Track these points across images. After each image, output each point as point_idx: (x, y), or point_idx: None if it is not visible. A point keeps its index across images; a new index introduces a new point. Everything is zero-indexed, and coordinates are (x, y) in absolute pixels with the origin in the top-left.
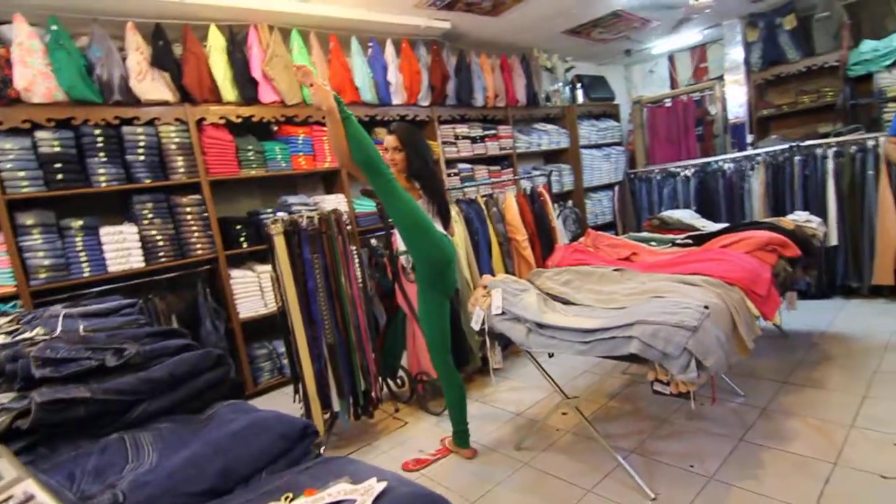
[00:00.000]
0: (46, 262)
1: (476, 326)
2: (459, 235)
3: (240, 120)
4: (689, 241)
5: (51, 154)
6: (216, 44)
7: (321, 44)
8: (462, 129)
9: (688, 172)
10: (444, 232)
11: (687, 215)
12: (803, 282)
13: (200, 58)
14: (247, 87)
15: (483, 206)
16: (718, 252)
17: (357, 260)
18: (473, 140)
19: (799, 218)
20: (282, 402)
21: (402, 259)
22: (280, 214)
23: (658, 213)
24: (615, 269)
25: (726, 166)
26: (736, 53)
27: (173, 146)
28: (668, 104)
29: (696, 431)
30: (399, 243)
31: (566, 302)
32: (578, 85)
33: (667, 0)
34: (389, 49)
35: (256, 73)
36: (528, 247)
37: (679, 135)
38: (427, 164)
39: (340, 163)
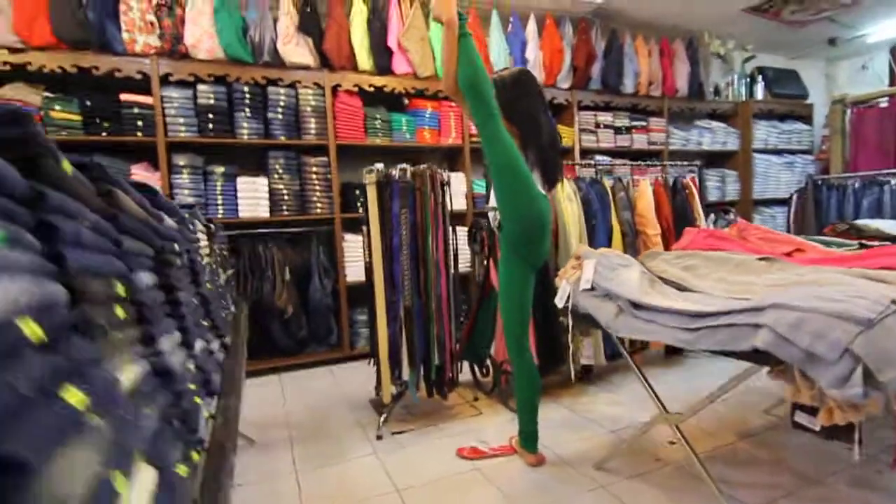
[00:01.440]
0: (190, 199)
1: (559, 303)
2: (572, 216)
3: (372, 89)
4: (888, 244)
5: (206, 105)
6: (358, 12)
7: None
8: (605, 118)
9: None
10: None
11: (893, 225)
12: None
13: (342, 25)
14: (382, 56)
15: (608, 189)
16: None
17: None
18: (617, 130)
19: None
20: (370, 369)
21: (491, 217)
22: (378, 166)
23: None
24: (761, 258)
25: None
26: None
27: (309, 108)
28: (885, 104)
29: (860, 502)
30: (491, 200)
31: (682, 289)
32: (759, 78)
33: None
34: (531, 26)
35: (392, 43)
36: (659, 243)
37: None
38: (535, 110)
39: (445, 85)
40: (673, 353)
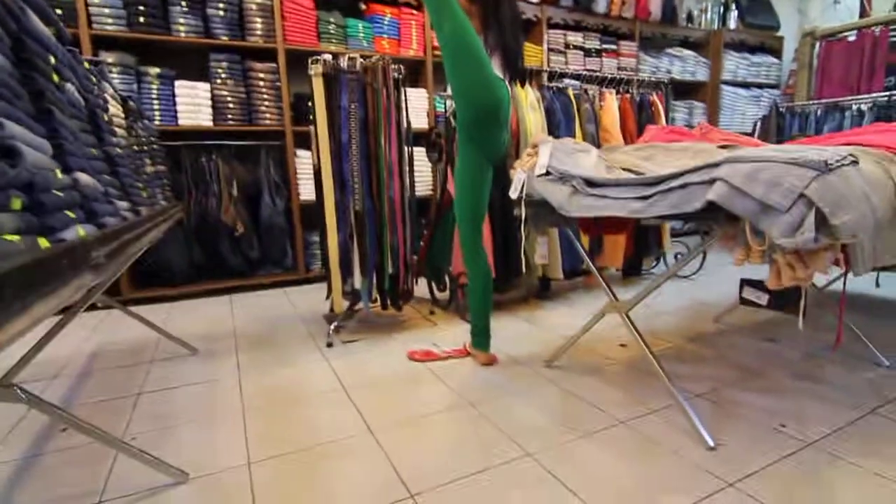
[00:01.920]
0: None
1: (513, 194)
2: (535, 125)
3: None
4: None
5: None
6: None
7: None
8: (575, 38)
9: (863, 106)
10: (503, 79)
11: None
12: None
13: None
14: None
15: (573, 100)
16: (887, 126)
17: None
18: (588, 53)
19: None
20: (324, 289)
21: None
22: (325, 56)
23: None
24: (722, 146)
25: None
26: None
27: (254, 6)
28: (853, 38)
29: (801, 392)
30: (449, 90)
31: (639, 175)
32: (733, 5)
33: None
34: None
35: None
36: None
37: (860, 79)
38: None
39: None
40: (631, 275)
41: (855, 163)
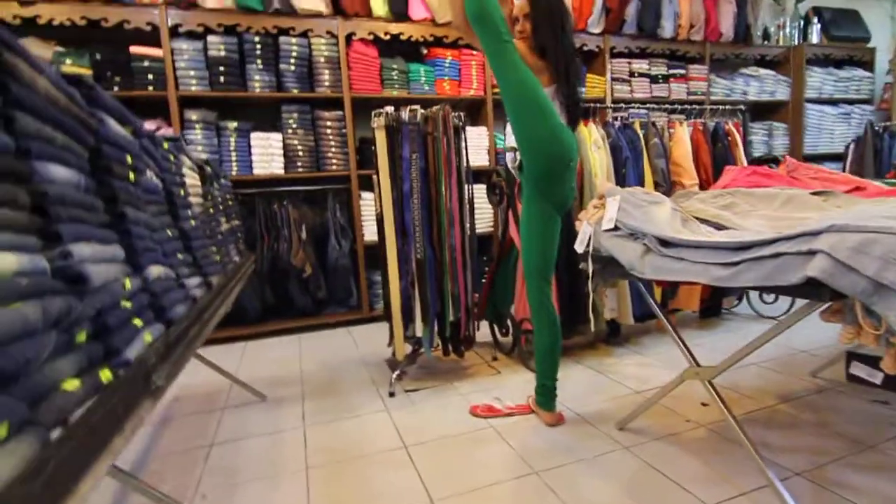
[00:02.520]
0: (204, 155)
1: (579, 248)
2: (600, 164)
3: (388, 37)
4: None
5: (217, 57)
6: None
7: None
8: (640, 65)
9: None
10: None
11: None
12: None
13: None
14: (398, 1)
15: (640, 135)
16: None
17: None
18: (654, 80)
19: None
20: (387, 329)
21: (509, 158)
22: (387, 109)
23: None
24: (815, 193)
25: None
26: None
27: (322, 59)
28: None
29: None
30: (508, 140)
31: (720, 228)
32: (815, 20)
33: None
34: None
35: None
36: None
37: None
38: (563, 34)
39: (454, 20)
40: (709, 315)
41: None
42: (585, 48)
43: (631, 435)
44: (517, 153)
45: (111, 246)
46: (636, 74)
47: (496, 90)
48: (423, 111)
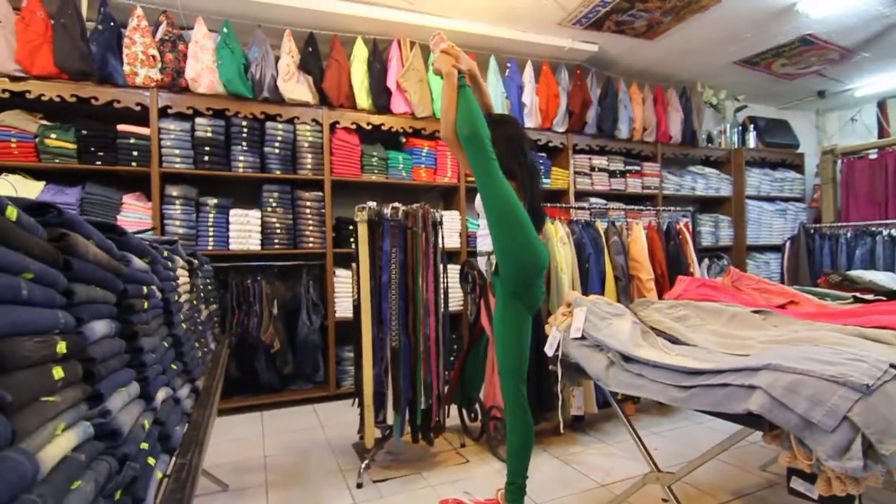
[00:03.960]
0: (181, 230)
1: (549, 351)
2: (566, 260)
3: (370, 127)
4: (883, 299)
5: (203, 138)
6: (359, 54)
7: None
8: (600, 161)
9: (894, 231)
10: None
11: (886, 278)
12: None
13: (343, 65)
14: (381, 96)
15: (601, 233)
16: None
17: (445, 272)
18: (612, 174)
19: None
20: (355, 410)
21: (482, 262)
22: (370, 203)
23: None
24: (755, 311)
25: None
26: None
27: (306, 144)
28: (874, 156)
29: None
30: (480, 244)
31: (674, 341)
32: (751, 127)
33: (877, 14)
34: (528, 71)
35: (391, 84)
36: (652, 289)
37: (887, 194)
38: (524, 157)
39: (444, 134)
40: None
41: (894, 369)
42: (551, 144)
43: None
44: (491, 256)
45: (132, 385)
46: (596, 169)
47: (469, 177)
48: (403, 208)
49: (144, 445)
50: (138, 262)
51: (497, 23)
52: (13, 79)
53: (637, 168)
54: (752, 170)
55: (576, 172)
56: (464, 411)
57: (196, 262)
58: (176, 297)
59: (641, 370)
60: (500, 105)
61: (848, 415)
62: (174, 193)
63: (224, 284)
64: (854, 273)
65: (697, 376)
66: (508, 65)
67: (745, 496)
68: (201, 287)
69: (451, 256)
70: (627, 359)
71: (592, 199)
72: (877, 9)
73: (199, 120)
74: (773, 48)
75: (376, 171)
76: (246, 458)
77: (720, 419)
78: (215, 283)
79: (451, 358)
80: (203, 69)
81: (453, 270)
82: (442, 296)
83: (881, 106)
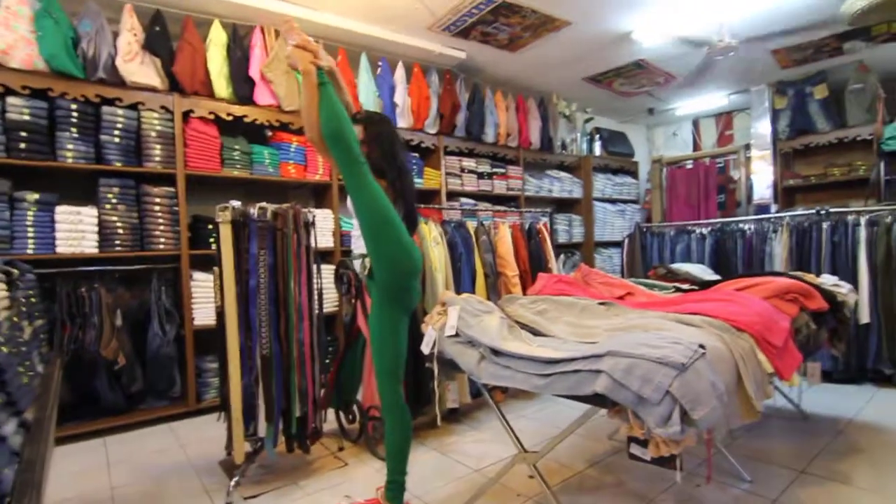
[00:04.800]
0: None
1: (426, 350)
2: (440, 259)
3: (231, 118)
4: (696, 289)
5: (19, 122)
6: (217, 38)
7: (329, 55)
8: (469, 163)
9: (704, 230)
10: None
11: (698, 269)
12: (828, 353)
13: (197, 49)
14: (242, 85)
15: (472, 233)
16: (728, 293)
17: (318, 273)
18: (480, 175)
19: (827, 281)
20: (220, 425)
21: (357, 264)
22: (233, 203)
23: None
24: (601, 303)
25: (746, 227)
26: (763, 126)
27: (153, 133)
28: (690, 166)
29: None
30: (354, 246)
31: (536, 333)
32: (597, 137)
33: (691, 41)
34: (400, 71)
35: (254, 73)
36: (518, 283)
37: (699, 198)
38: (395, 157)
39: (308, 135)
40: None
41: (703, 352)
42: (423, 145)
43: None
44: (365, 259)
45: None
46: (466, 171)
47: (341, 177)
48: (272, 207)
49: None
50: None
51: (369, 21)
52: None
53: (503, 170)
54: (598, 175)
55: (447, 173)
56: (341, 414)
57: (16, 271)
58: None
59: (509, 362)
60: (372, 104)
61: (669, 389)
62: None
63: (51, 294)
64: (674, 266)
65: (555, 365)
66: (380, 64)
67: (596, 464)
68: (23, 300)
69: (324, 256)
70: (496, 352)
71: (463, 199)
72: (693, 44)
73: (11, 100)
74: (614, 69)
75: (239, 166)
76: (90, 493)
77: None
78: (39, 293)
79: (327, 361)
80: (18, 40)
81: (328, 271)
82: (316, 299)
83: (695, 124)
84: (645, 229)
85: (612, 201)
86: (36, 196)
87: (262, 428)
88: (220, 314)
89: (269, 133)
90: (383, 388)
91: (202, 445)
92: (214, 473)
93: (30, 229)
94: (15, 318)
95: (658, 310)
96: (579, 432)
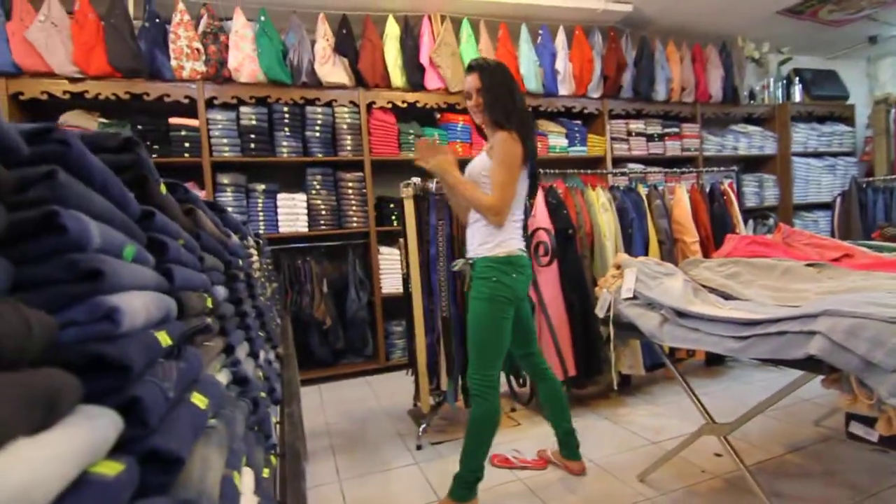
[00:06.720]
0: (234, 216)
1: (600, 313)
2: (608, 225)
3: (405, 105)
4: None
5: (248, 126)
6: (392, 32)
7: (490, 32)
8: (637, 125)
9: None
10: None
11: None
12: None
13: (376, 45)
14: (414, 73)
15: (643, 197)
16: None
17: None
18: (650, 138)
19: None
20: (406, 380)
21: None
22: (415, 179)
23: None
24: (809, 264)
25: None
26: None
27: (345, 126)
28: None
29: None
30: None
31: (727, 297)
32: (797, 80)
33: None
34: (561, 37)
35: (424, 60)
36: (698, 251)
37: None
38: (515, 102)
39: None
40: (714, 363)
41: None
42: (586, 111)
43: (653, 486)
44: (466, 264)
45: (244, 344)
46: (633, 134)
47: None
48: None
49: (262, 394)
50: (234, 238)
51: None
52: (72, 80)
53: (676, 130)
54: (799, 125)
55: (612, 138)
56: (511, 378)
57: (261, 242)
58: (254, 272)
59: (696, 324)
60: (533, 74)
61: None
62: (225, 181)
63: (277, 266)
64: None
65: (754, 326)
66: (540, 32)
67: (798, 450)
68: (265, 266)
69: None
70: (681, 314)
71: (630, 165)
72: None
73: (243, 109)
74: None
75: (413, 149)
76: (310, 426)
77: (767, 371)
78: (271, 264)
79: None
80: (244, 58)
81: None
82: None
83: None
84: (865, 185)
85: (818, 155)
86: (263, 186)
87: (444, 383)
88: (406, 280)
89: (438, 115)
90: (476, 366)
91: (392, 397)
92: (404, 420)
93: (260, 214)
94: (262, 279)
95: (892, 271)
96: (776, 415)
